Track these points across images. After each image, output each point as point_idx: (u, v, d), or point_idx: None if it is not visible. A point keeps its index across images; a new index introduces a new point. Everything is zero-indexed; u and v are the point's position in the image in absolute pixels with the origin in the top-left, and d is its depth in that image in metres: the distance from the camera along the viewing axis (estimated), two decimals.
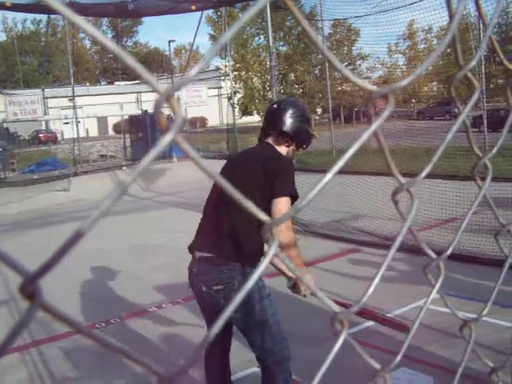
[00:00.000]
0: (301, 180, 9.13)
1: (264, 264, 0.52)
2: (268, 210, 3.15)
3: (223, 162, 3.67)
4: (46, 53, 48.44)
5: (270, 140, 3.50)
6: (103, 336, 0.42)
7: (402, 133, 12.44)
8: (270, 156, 3.37)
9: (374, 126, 0.52)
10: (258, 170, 3.18)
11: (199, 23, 24.11)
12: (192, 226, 3.54)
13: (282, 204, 3.07)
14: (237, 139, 21.25)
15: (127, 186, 0.41)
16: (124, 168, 19.13)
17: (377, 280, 0.61)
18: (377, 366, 0.62)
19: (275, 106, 3.68)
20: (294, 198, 3.17)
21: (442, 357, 4.06)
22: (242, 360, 4.23)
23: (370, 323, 4.28)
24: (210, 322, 3.38)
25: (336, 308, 0.60)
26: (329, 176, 0.53)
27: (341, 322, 0.58)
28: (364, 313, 3.11)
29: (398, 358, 0.63)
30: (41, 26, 66.37)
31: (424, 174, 0.61)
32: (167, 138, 0.41)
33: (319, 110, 35.38)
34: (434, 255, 0.73)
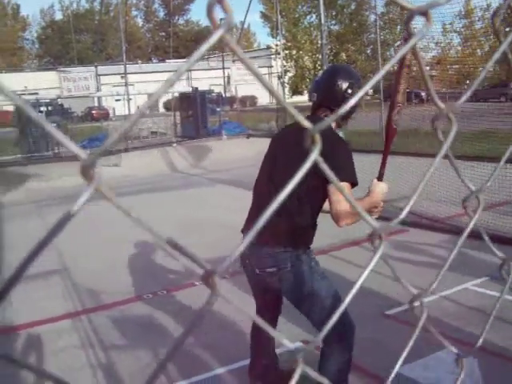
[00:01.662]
0: (354, 160, 9.07)
1: (373, 263, 0.54)
2: (318, 198, 3.07)
3: None
4: (100, 31, 49.25)
5: (321, 114, 3.20)
6: None
7: (457, 115, 12.17)
8: (322, 133, 3.14)
9: (411, 42, 0.52)
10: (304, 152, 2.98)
11: (250, 1, 24.04)
12: (240, 204, 3.57)
13: (343, 191, 2.94)
14: (286, 118, 21.17)
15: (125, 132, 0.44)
16: (174, 145, 19.34)
17: (441, 273, 0.62)
18: (414, 291, 0.63)
19: (321, 75, 3.50)
20: (353, 184, 2.95)
21: (488, 340, 4.01)
22: (288, 334, 4.28)
23: None
24: (261, 303, 3.40)
25: (375, 224, 0.61)
26: None
27: (379, 236, 0.59)
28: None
29: (434, 284, 0.64)
30: (95, 4, 67.35)
31: (464, 98, 0.61)
32: (218, 34, 0.44)
33: (370, 91, 34.87)
34: (501, 254, 0.72)
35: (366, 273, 0.58)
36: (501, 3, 0.63)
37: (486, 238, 0.68)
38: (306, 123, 0.53)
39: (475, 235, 0.80)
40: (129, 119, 0.47)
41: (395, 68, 3.09)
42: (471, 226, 0.61)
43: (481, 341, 0.65)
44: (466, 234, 0.59)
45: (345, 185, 2.87)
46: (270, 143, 3.45)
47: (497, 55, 0.61)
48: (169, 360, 0.52)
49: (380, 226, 0.60)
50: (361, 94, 0.56)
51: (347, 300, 0.59)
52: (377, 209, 3.08)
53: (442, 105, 0.61)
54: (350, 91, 3.12)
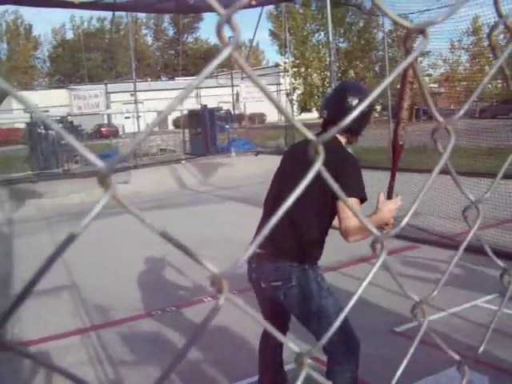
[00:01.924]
0: (363, 177, 9.07)
1: (374, 270, 0.56)
2: (326, 214, 3.08)
3: (280, 158, 3.60)
4: (110, 49, 49.75)
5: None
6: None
7: (464, 131, 12.17)
8: (332, 149, 3.07)
9: (409, 58, 0.54)
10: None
11: (259, 19, 24.27)
12: (249, 220, 3.59)
13: (351, 207, 2.86)
14: (295, 135, 21.23)
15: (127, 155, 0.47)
16: (183, 162, 19.42)
17: (442, 282, 0.64)
18: (416, 298, 0.65)
19: (331, 92, 3.57)
20: (362, 200, 2.97)
21: (496, 356, 3.98)
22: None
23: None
24: (268, 317, 3.40)
25: (376, 231, 0.63)
26: None
27: (381, 244, 0.61)
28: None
29: (435, 292, 0.65)
30: (105, 23, 68.16)
31: (462, 112, 0.63)
32: (226, 51, 0.46)
33: (378, 108, 34.96)
34: (502, 264, 0.74)
35: (368, 280, 0.60)
36: (496, 21, 0.65)
37: (487, 249, 0.69)
38: (310, 135, 0.55)
39: (484, 252, 0.81)
40: (142, 132, 0.50)
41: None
42: (471, 234, 0.63)
43: (481, 349, 0.66)
44: (466, 242, 0.60)
45: (353, 200, 2.89)
46: (281, 160, 3.49)
47: (493, 70, 0.63)
48: (173, 369, 0.53)
49: (382, 234, 0.62)
50: (361, 107, 0.59)
51: (347, 309, 0.60)
52: (388, 226, 3.06)
53: (440, 118, 0.63)
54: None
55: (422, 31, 0.56)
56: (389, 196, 3.09)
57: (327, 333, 0.61)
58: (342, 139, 3.25)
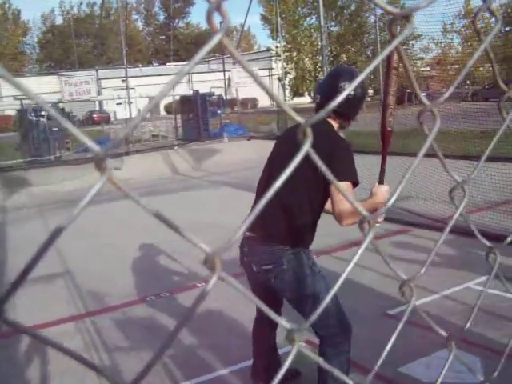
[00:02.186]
0: (355, 161, 9.08)
1: (361, 249, 0.57)
2: (319, 198, 3.10)
3: (273, 143, 3.62)
4: (100, 35, 49.31)
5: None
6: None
7: (456, 115, 12.18)
8: (322, 132, 3.00)
9: (394, 43, 0.55)
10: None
11: (250, 3, 24.11)
12: (241, 205, 3.60)
13: (343, 191, 2.84)
14: (287, 120, 21.20)
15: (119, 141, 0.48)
16: (175, 148, 19.38)
17: (429, 261, 0.65)
18: (403, 276, 0.66)
19: (324, 77, 3.57)
20: (354, 184, 3.00)
21: (488, 338, 4.03)
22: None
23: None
24: (261, 301, 3.41)
25: (364, 212, 0.64)
26: None
27: (368, 223, 0.62)
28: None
29: (423, 270, 0.66)
30: (95, 8, 67.55)
31: (447, 95, 0.64)
32: (216, 38, 0.47)
33: (370, 92, 34.92)
34: (488, 243, 0.75)
35: (355, 259, 0.61)
36: (480, 6, 0.66)
37: (474, 229, 0.71)
38: (299, 118, 0.56)
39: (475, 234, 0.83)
40: (135, 118, 0.50)
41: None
42: (457, 214, 0.64)
43: (467, 326, 0.68)
44: (452, 222, 0.61)
45: (346, 184, 2.90)
46: (274, 145, 3.50)
47: (477, 54, 0.64)
48: (164, 350, 0.54)
49: (369, 214, 0.63)
50: (347, 91, 0.59)
51: (335, 288, 0.61)
52: (379, 211, 3.08)
53: (426, 101, 0.64)
54: (352, 93, 3.11)
55: (406, 16, 0.56)
56: (381, 180, 3.11)
57: (317, 310, 0.62)
58: (335, 124, 3.25)
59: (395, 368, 3.84)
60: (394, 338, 0.59)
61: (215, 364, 4.29)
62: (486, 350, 3.86)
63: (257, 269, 3.19)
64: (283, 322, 0.58)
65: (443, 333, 0.66)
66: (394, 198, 0.63)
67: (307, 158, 0.58)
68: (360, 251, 0.61)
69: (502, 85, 0.74)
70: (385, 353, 0.60)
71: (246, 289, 0.53)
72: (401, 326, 0.63)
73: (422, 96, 0.64)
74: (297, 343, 0.57)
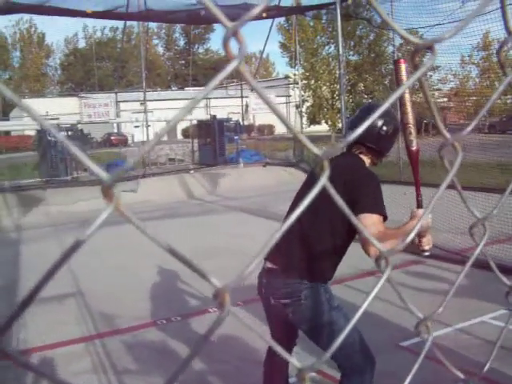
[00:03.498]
0: None
1: (378, 286, 0.56)
2: (342, 234, 3.02)
3: (288, 170, 3.63)
4: (121, 58, 50.08)
5: (356, 151, 3.21)
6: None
7: (473, 147, 12.13)
8: (352, 166, 3.09)
9: (418, 73, 0.54)
10: (338, 185, 2.65)
11: (270, 31, 24.35)
12: (255, 231, 3.60)
13: (371, 224, 2.77)
14: (303, 148, 21.24)
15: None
16: (191, 172, 19.46)
17: (447, 298, 0.63)
18: (420, 315, 0.64)
19: (357, 112, 3.45)
20: (383, 218, 2.92)
21: (504, 374, 3.94)
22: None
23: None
24: (276, 332, 3.33)
25: (381, 247, 0.62)
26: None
27: (385, 260, 0.61)
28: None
29: (440, 309, 0.64)
30: (117, 32, 68.70)
31: (469, 128, 0.63)
32: (233, 65, 0.47)
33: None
34: (508, 282, 0.73)
35: (373, 295, 0.60)
36: (506, 37, 0.65)
37: (493, 266, 0.69)
38: (316, 150, 0.55)
39: (490, 268, 0.81)
40: (148, 143, 0.50)
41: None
42: (478, 251, 0.63)
43: (486, 368, 0.66)
44: (472, 259, 0.60)
45: (375, 217, 2.84)
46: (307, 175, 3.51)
47: (502, 87, 0.63)
48: (175, 379, 0.53)
49: (387, 250, 0.62)
50: (368, 122, 0.58)
51: (353, 321, 0.59)
52: (425, 238, 2.96)
53: (447, 134, 0.63)
54: (384, 128, 3.11)
55: (429, 47, 0.56)
56: (419, 204, 3.02)
57: (332, 346, 0.61)
58: (366, 159, 3.22)
59: None
60: (409, 379, 0.57)
61: None
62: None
63: (274, 302, 3.14)
64: (293, 361, 0.56)
65: (461, 375, 0.64)
66: (413, 234, 0.61)
67: (336, 189, 0.57)
68: (378, 286, 0.59)
69: None
70: None
71: (256, 321, 0.52)
72: (416, 367, 0.62)
73: (443, 129, 0.63)
74: (307, 382, 0.56)
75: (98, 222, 0.46)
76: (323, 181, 0.54)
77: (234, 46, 0.51)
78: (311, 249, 3.05)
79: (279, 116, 0.53)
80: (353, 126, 3.33)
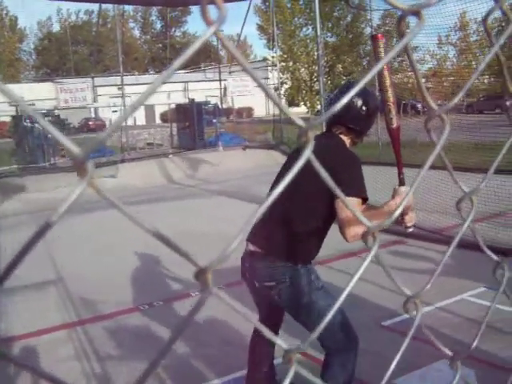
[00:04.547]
0: None
1: (366, 263, 0.54)
2: (325, 215, 3.00)
3: (268, 152, 3.62)
4: (97, 42, 49.40)
5: (336, 131, 3.15)
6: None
7: (451, 127, 12.18)
8: (333, 147, 3.02)
9: (405, 40, 0.53)
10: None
11: (247, 13, 24.20)
12: (235, 214, 3.59)
13: (345, 201, 2.73)
14: (282, 130, 21.23)
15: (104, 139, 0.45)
16: (170, 156, 19.35)
17: (434, 277, 0.63)
18: (408, 292, 0.63)
19: (337, 91, 3.41)
20: (363, 200, 2.91)
21: (484, 351, 4.00)
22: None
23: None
24: (264, 314, 3.35)
25: (368, 222, 0.61)
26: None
27: (372, 235, 0.60)
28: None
29: (428, 286, 0.64)
30: (92, 16, 67.70)
31: (456, 99, 0.61)
32: (210, 31, 0.45)
33: None
34: (496, 257, 0.72)
35: (359, 273, 0.59)
36: (493, 6, 0.64)
37: (481, 243, 0.68)
38: (300, 122, 0.53)
39: (472, 246, 0.81)
40: (119, 117, 0.48)
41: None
42: (465, 226, 0.62)
43: (474, 344, 0.65)
44: (460, 234, 0.59)
45: (354, 200, 2.82)
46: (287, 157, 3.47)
47: (489, 56, 0.61)
48: (157, 362, 0.51)
49: (373, 224, 0.60)
50: (346, 99, 0.57)
51: (338, 303, 0.58)
52: (408, 215, 2.99)
53: (434, 106, 0.61)
54: (364, 108, 3.07)
55: (416, 13, 0.54)
56: (401, 182, 3.01)
57: (318, 327, 0.60)
58: (347, 140, 3.18)
59: (390, 380, 3.80)
60: (396, 359, 0.57)
61: (208, 374, 4.25)
62: (480, 362, 3.83)
63: (259, 285, 3.13)
64: (280, 342, 0.55)
65: (448, 352, 0.63)
66: (399, 211, 0.60)
67: (311, 170, 0.55)
68: (365, 263, 0.58)
69: None
70: (389, 373, 0.57)
71: (240, 304, 0.51)
72: (404, 346, 0.61)
73: (430, 100, 0.61)
74: (294, 364, 0.54)
75: (72, 199, 0.44)
76: (307, 152, 0.52)
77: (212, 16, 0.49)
78: (294, 230, 3.02)
79: (258, 82, 0.51)
80: (331, 103, 3.29)
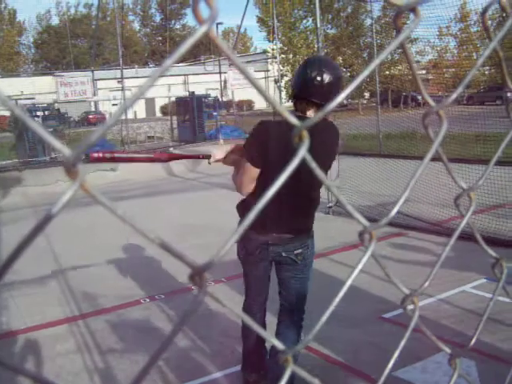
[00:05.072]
0: (351, 164, 9.06)
1: (363, 261, 0.54)
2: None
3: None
4: (97, 36, 49.24)
5: (300, 105, 3.22)
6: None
7: (452, 118, 12.16)
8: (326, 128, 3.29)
9: (401, 36, 0.52)
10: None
11: (247, 5, 24.13)
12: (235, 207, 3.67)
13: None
14: None
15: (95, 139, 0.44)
16: (171, 149, 19.35)
17: (433, 273, 0.62)
18: (406, 291, 0.63)
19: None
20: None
21: (484, 342, 4.01)
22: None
23: None
24: (259, 289, 3.62)
25: (365, 222, 0.61)
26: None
27: (369, 234, 0.59)
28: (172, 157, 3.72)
29: (426, 283, 0.63)
30: (92, 9, 67.50)
31: (454, 95, 0.61)
32: (201, 30, 0.45)
33: (367, 94, 34.89)
34: (494, 254, 0.72)
35: (357, 271, 0.58)
36: (491, 1, 0.63)
37: (479, 237, 0.68)
38: (294, 120, 0.53)
39: (472, 238, 0.80)
40: (112, 116, 0.47)
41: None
42: (464, 223, 0.61)
43: (473, 341, 0.65)
44: (459, 231, 0.58)
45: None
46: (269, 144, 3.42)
47: (488, 51, 0.61)
48: (157, 358, 0.51)
49: (371, 224, 0.60)
50: (347, 91, 0.56)
51: (337, 299, 0.58)
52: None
53: (432, 102, 0.61)
54: (318, 78, 3.04)
55: (413, 9, 0.54)
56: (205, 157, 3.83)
57: (321, 319, 0.59)
58: (311, 114, 3.17)
59: (390, 372, 3.81)
60: (396, 354, 0.56)
61: (209, 367, 4.26)
62: (480, 354, 3.84)
63: (286, 254, 3.36)
64: (277, 343, 0.55)
65: (447, 350, 0.63)
66: (397, 207, 0.60)
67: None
68: (363, 261, 0.58)
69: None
70: (390, 365, 0.57)
71: (237, 300, 0.50)
72: (403, 342, 0.60)
73: (428, 96, 0.60)
74: (290, 365, 0.54)
75: (64, 200, 0.43)
76: (302, 152, 0.52)
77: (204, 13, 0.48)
78: (313, 207, 3.41)
79: (251, 80, 0.51)
80: (293, 81, 3.27)
